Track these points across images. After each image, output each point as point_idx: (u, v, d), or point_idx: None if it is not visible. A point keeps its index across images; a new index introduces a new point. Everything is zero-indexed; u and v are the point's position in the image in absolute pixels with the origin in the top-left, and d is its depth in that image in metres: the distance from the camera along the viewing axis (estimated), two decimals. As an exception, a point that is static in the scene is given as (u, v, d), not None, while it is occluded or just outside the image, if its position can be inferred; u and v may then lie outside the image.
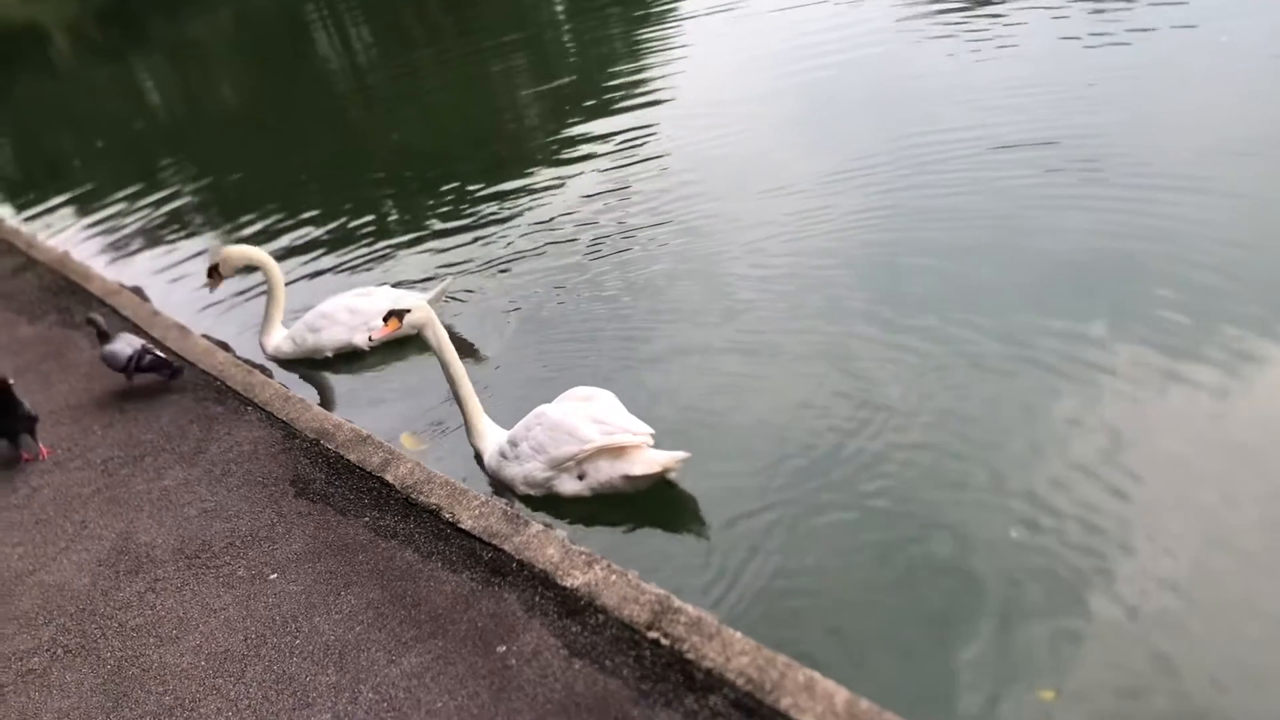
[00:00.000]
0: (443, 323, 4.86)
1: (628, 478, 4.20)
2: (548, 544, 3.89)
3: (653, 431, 4.25)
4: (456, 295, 6.47)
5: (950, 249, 5.60)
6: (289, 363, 6.30)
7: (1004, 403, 4.38)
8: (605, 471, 4.24)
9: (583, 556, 3.78)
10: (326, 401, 5.88)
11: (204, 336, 6.58)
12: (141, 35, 26.08)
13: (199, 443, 5.29)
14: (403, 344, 6.00)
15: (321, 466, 4.80)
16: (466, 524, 4.12)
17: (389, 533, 4.25)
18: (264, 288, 6.58)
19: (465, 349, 5.81)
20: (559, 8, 15.45)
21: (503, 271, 6.75)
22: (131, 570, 4.50)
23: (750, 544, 3.92)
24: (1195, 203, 5.40)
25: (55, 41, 33.76)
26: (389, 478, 4.52)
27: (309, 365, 6.23)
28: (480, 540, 4.03)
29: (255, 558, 4.33)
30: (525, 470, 4.39)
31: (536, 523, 4.05)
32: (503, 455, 4.51)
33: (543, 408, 4.44)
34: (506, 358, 5.74)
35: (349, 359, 6.15)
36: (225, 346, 6.49)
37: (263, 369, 6.06)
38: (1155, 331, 4.51)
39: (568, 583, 3.68)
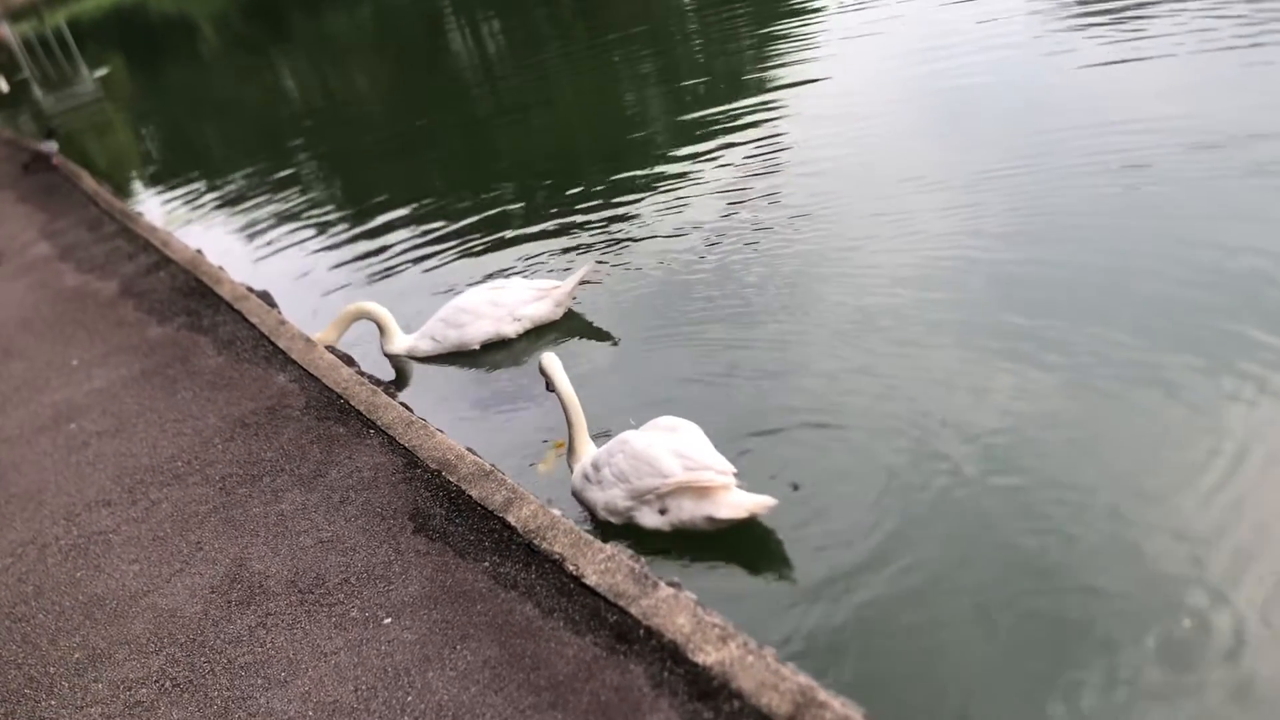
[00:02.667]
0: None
1: (711, 519, 4.11)
2: (678, 611, 3.58)
3: (736, 471, 4.13)
4: (593, 280, 6.62)
5: (1099, 269, 5.36)
6: (417, 366, 6.53)
7: (1147, 447, 4.13)
8: (688, 510, 4.16)
9: (716, 630, 3.45)
10: (453, 408, 5.89)
11: (329, 349, 6.47)
12: (284, 29, 26.72)
13: (319, 465, 5.14)
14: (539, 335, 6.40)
15: (442, 501, 4.58)
16: (591, 579, 3.84)
17: (509, 582, 3.99)
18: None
19: (586, 343, 6.19)
20: (690, 7, 15.16)
21: (629, 269, 6.87)
22: (244, 600, 4.35)
23: (849, 599, 3.78)
24: None
25: (203, 33, 34.94)
26: (511, 519, 4.27)
27: (444, 363, 6.46)
28: (605, 600, 3.74)
29: (370, 598, 4.13)
30: (607, 496, 4.34)
31: (665, 585, 3.74)
32: (586, 477, 4.48)
33: (627, 434, 4.37)
34: (622, 364, 5.86)
35: (487, 355, 6.38)
36: (350, 361, 6.37)
37: (388, 388, 5.89)
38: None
39: (700, 659, 3.36)
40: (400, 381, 6.41)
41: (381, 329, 6.61)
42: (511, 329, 6.35)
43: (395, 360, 6.60)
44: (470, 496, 4.51)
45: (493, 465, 4.70)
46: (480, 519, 4.38)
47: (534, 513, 4.24)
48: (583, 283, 6.39)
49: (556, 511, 4.28)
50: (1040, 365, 4.72)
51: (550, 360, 4.73)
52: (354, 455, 5.14)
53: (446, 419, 5.61)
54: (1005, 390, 4.64)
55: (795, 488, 4.32)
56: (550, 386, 4.72)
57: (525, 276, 7.09)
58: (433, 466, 4.80)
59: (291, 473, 5.16)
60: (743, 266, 6.40)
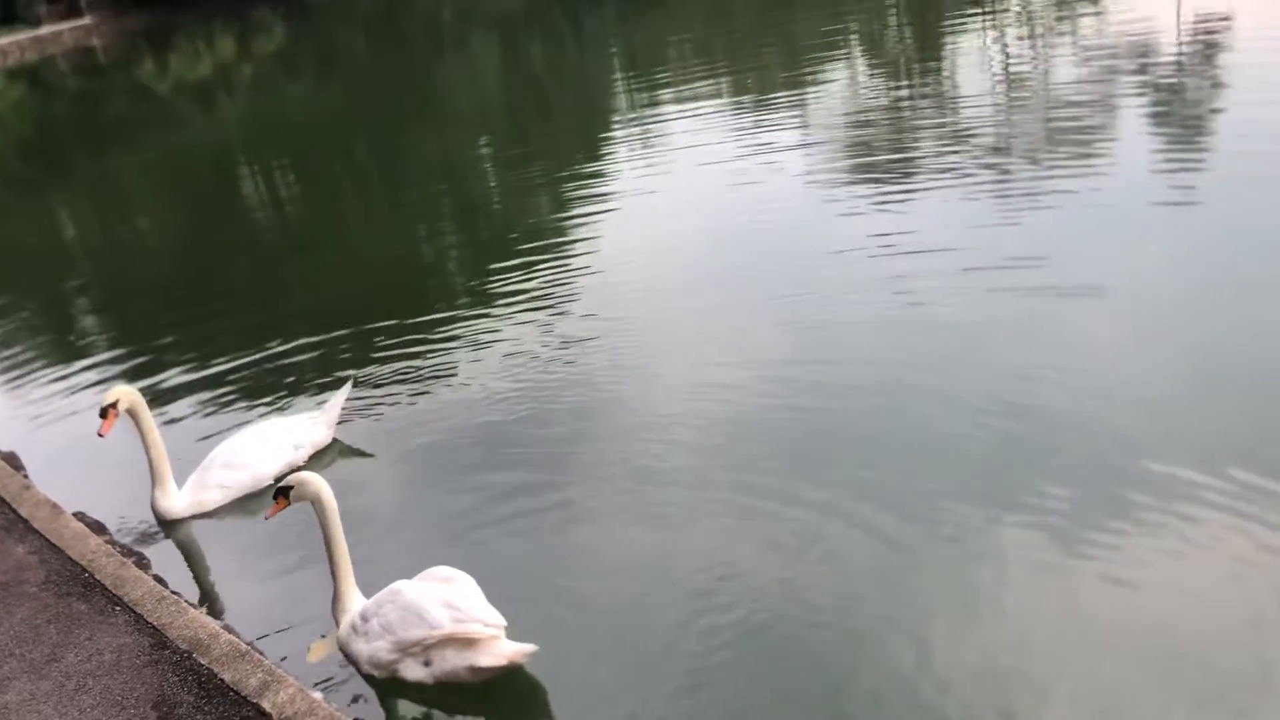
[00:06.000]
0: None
1: (474, 668, 4.02)
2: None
3: (505, 623, 4.06)
4: (357, 399, 6.69)
5: (878, 412, 5.65)
6: (185, 523, 5.97)
7: (924, 586, 4.27)
8: (451, 660, 4.06)
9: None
10: (211, 584, 5.46)
11: (77, 516, 5.93)
12: (66, 169, 25.57)
13: (54, 649, 4.64)
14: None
15: (191, 686, 4.19)
16: (352, 769, 3.54)
17: (260, 776, 3.64)
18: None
19: (360, 478, 6.00)
20: (488, 165, 15.41)
21: (412, 405, 6.85)
22: (-49, 817, 3.81)
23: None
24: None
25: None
26: (266, 705, 3.93)
27: (210, 523, 5.97)
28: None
29: (100, 805, 3.68)
30: (372, 649, 4.19)
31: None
32: (354, 629, 4.32)
33: (399, 584, 4.24)
34: (392, 503, 5.76)
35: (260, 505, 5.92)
36: (101, 529, 5.85)
37: (140, 559, 5.42)
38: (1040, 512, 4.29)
39: None
40: (162, 543, 5.89)
41: (156, 479, 5.92)
42: (300, 457, 6.20)
43: (167, 520, 5.99)
44: (223, 680, 4.14)
45: (250, 644, 4.35)
46: (232, 705, 4.01)
47: (291, 697, 3.92)
48: (349, 400, 6.45)
49: (317, 695, 3.97)
50: (817, 506, 4.83)
51: (315, 484, 4.48)
52: (95, 636, 4.66)
53: (211, 586, 5.29)
54: (783, 533, 4.72)
55: (561, 641, 4.24)
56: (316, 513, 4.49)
57: (297, 411, 6.87)
58: (183, 647, 4.40)
59: (21, 658, 4.63)
60: (526, 406, 6.44)
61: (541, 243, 9.86)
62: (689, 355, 6.74)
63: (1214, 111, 9.88)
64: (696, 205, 9.97)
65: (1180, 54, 12.02)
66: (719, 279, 8.07)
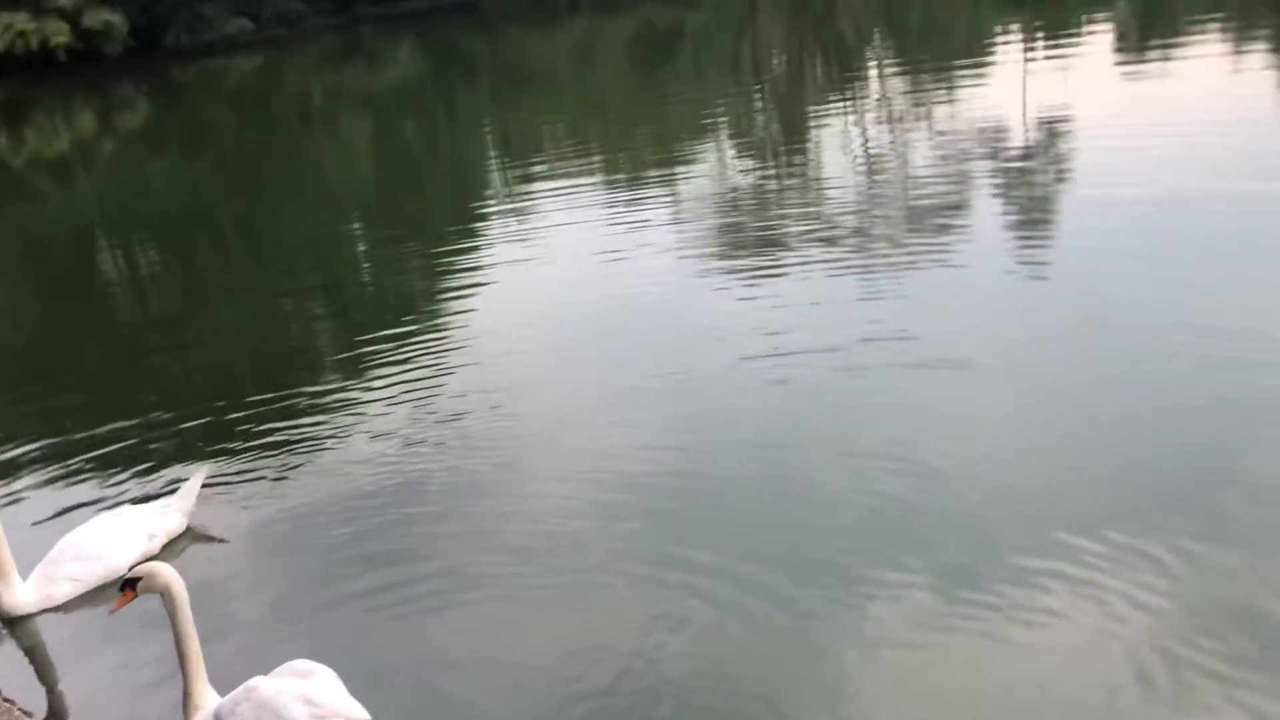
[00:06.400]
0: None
1: None
2: None
3: (368, 717, 3.96)
4: (215, 483, 6.43)
5: (727, 486, 5.72)
6: (30, 619, 5.56)
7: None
8: None
9: None
10: (54, 683, 5.09)
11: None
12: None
13: None
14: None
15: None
16: None
17: None
18: None
19: (208, 577, 5.57)
20: (358, 242, 15.23)
21: (271, 487, 6.61)
22: None
23: None
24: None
25: None
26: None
27: (56, 618, 5.57)
28: None
29: None
30: None
31: None
32: None
33: (256, 680, 4.05)
34: (250, 593, 5.48)
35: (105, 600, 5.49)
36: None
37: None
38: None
39: None
40: (4, 643, 5.47)
41: None
42: (154, 546, 5.94)
43: (11, 616, 5.55)
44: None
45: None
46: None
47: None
48: (206, 484, 6.25)
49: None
50: (692, 579, 4.84)
51: (165, 574, 4.26)
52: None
53: (55, 685, 5.02)
54: (659, 608, 4.69)
55: None
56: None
57: (150, 497, 6.57)
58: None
59: None
60: (393, 487, 6.30)
61: (413, 319, 9.75)
62: (564, 432, 6.72)
63: (1058, 192, 10.46)
64: (570, 282, 10.00)
65: (1027, 140, 12.70)
66: (593, 355, 8.09)
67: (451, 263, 11.68)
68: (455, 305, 9.95)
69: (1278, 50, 15.59)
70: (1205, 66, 15.07)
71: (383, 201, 17.52)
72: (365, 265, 13.30)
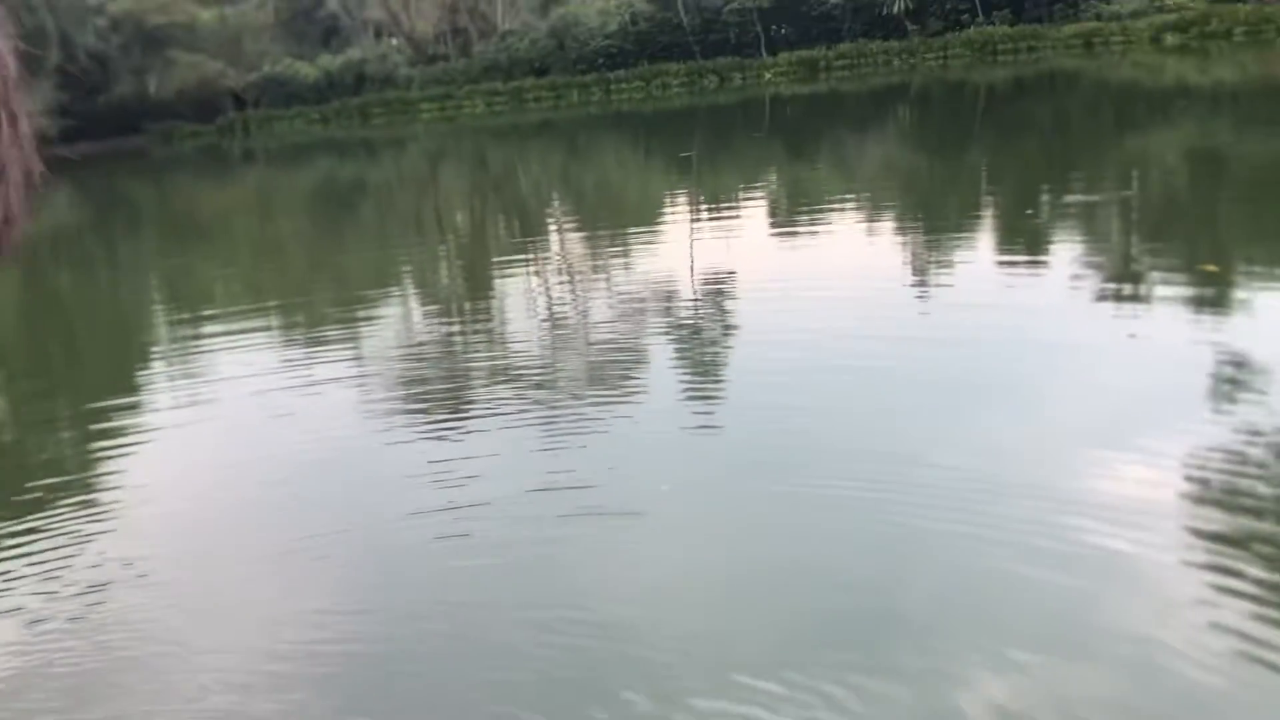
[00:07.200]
0: None
1: None
2: None
3: None
4: None
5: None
6: None
7: None
8: None
9: None
10: None
11: None
12: None
13: None
14: None
15: None
16: None
17: None
18: None
19: None
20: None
21: None
22: None
23: None
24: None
25: None
26: None
27: None
28: None
29: None
30: None
31: None
32: None
33: None
34: None
35: None
36: None
37: None
38: None
39: None
40: None
41: None
42: None
43: None
44: None
45: None
46: None
47: None
48: None
49: None
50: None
51: None
52: None
53: None
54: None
55: None
56: None
57: None
58: None
59: None
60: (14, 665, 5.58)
61: (62, 480, 8.78)
62: (222, 598, 6.19)
63: (726, 345, 11.10)
64: (237, 438, 9.43)
65: (696, 297, 13.47)
66: (258, 515, 7.60)
67: (105, 420, 10.71)
68: (105, 466, 9.08)
69: (902, 221, 17.64)
70: (844, 233, 16.80)
71: (31, 355, 15.97)
72: (2, 423, 11.95)
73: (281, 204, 36.38)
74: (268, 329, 14.67)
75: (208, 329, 15.00)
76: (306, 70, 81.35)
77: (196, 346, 13.87)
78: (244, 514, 7.66)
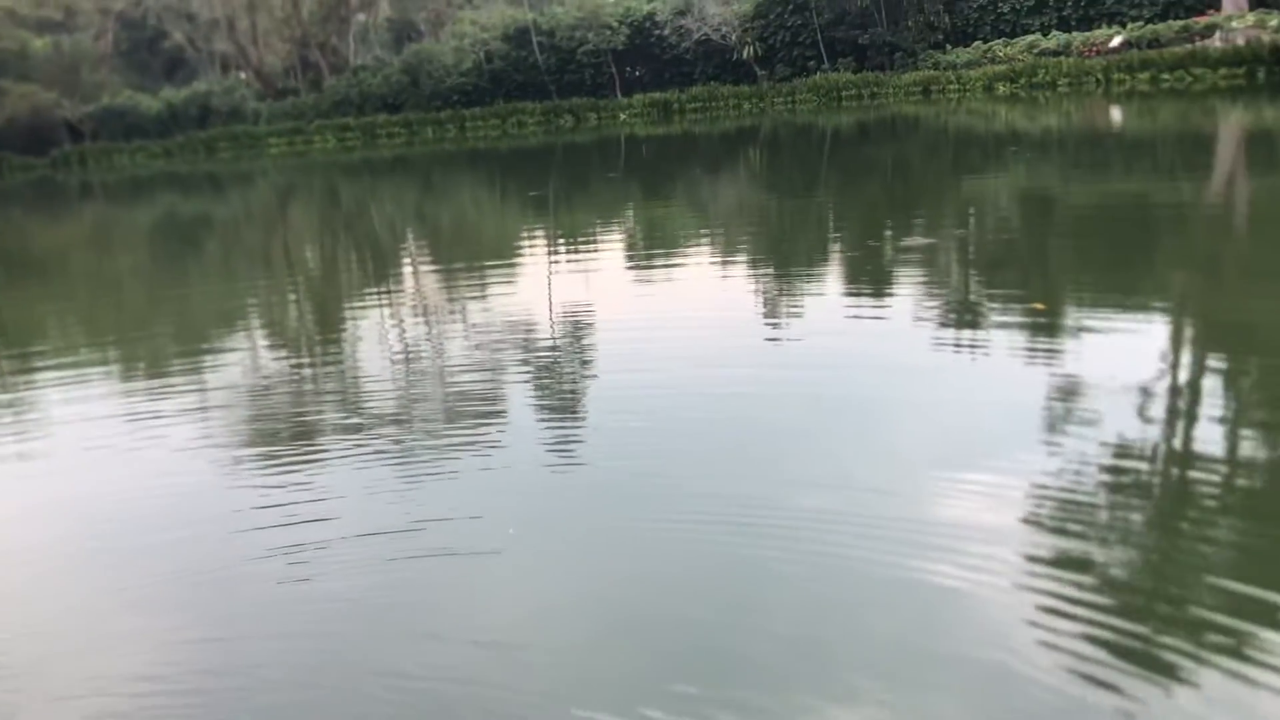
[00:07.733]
0: None
1: None
2: None
3: None
4: None
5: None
6: None
7: None
8: None
9: None
10: None
11: None
12: None
13: None
14: None
15: None
16: None
17: None
18: None
19: None
20: None
21: None
22: None
23: None
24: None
25: None
26: None
27: None
28: None
29: None
30: None
31: None
32: None
33: None
34: None
35: None
36: None
37: None
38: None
39: None
40: None
41: None
42: None
43: None
44: None
45: None
46: None
47: None
48: None
49: None
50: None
51: None
52: None
53: None
54: None
55: None
56: None
57: None
58: None
59: None
60: None
61: None
62: (52, 648, 5.81)
63: (584, 380, 11.08)
64: (65, 481, 8.92)
65: (555, 334, 13.45)
66: (89, 563, 7.17)
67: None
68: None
69: (754, 259, 18.02)
70: (699, 270, 17.06)
71: None
72: None
73: (121, 239, 34.86)
74: (105, 366, 13.99)
75: (39, 365, 14.21)
76: (148, 103, 78.62)
77: (26, 384, 13.11)
78: (68, 562, 7.23)
